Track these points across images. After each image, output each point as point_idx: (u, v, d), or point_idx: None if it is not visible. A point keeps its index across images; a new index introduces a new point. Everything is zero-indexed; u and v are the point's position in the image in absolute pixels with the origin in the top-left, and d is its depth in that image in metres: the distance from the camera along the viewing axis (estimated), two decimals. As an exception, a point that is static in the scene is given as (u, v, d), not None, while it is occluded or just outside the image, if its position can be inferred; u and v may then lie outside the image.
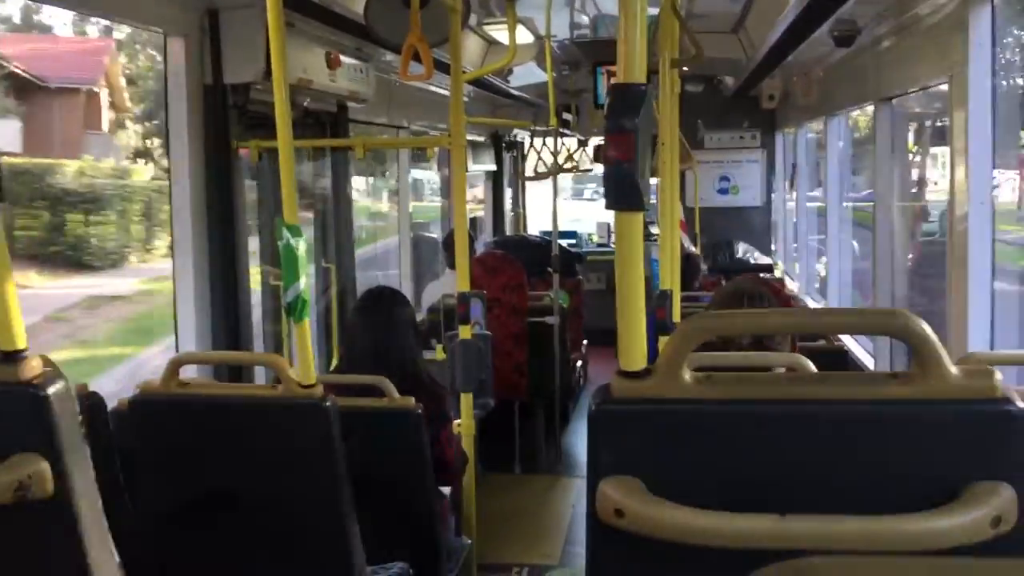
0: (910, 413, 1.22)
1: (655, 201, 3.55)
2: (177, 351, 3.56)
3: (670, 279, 3.24)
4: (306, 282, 2.35)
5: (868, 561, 0.45)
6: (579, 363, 7.42)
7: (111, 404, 2.70)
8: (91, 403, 2.40)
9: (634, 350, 1.31)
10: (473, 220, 9.02)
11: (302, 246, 2.32)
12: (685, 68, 3.60)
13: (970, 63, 3.28)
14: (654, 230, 5.07)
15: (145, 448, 2.54)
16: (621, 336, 1.31)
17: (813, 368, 2.07)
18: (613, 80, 1.31)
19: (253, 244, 3.99)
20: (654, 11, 3.10)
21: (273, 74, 2.31)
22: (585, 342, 7.79)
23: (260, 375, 3.95)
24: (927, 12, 3.71)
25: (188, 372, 3.54)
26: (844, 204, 6.37)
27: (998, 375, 1.22)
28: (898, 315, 1.23)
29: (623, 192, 1.26)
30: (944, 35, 3.54)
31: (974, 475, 1.21)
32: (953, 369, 1.21)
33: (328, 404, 2.40)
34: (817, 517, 1.21)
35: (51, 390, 1.59)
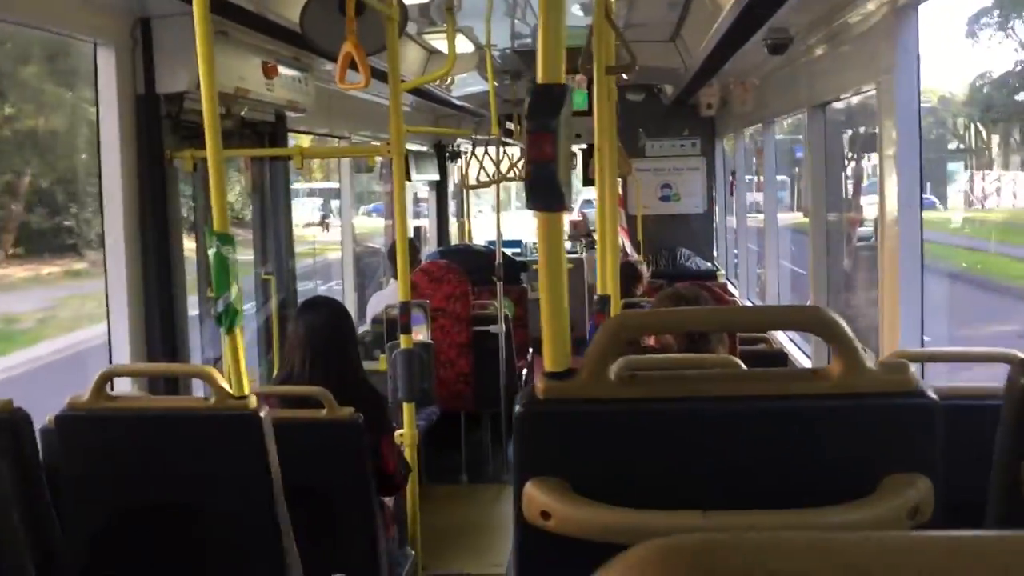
0: (828, 408, 1.24)
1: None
2: (111, 364, 3.49)
3: (609, 285, 3.25)
4: (237, 292, 2.31)
5: (749, 537, 0.45)
6: (524, 371, 7.43)
7: (42, 421, 2.62)
8: (15, 419, 2.33)
9: (558, 351, 1.31)
10: (417, 230, 9.00)
11: (233, 255, 2.28)
12: (625, 77, 3.63)
13: (897, 70, 3.36)
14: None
15: (72, 466, 2.47)
16: (545, 337, 1.31)
17: (744, 368, 2.10)
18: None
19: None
20: (589, 19, 3.12)
21: (202, 82, 2.28)
22: (531, 350, 7.80)
23: (201, 388, 3.89)
24: (856, 20, 3.80)
25: (124, 387, 3.47)
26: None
27: (912, 368, 1.25)
28: (813, 310, 1.25)
29: (544, 192, 1.26)
30: (872, 42, 3.63)
31: (892, 467, 1.23)
32: (869, 363, 1.23)
33: (261, 415, 2.37)
34: (739, 512, 1.21)
35: None
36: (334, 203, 10.95)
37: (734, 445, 1.26)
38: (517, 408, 1.31)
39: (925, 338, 3.43)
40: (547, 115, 1.24)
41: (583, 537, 1.26)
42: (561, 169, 1.24)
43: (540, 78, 1.27)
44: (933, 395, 1.23)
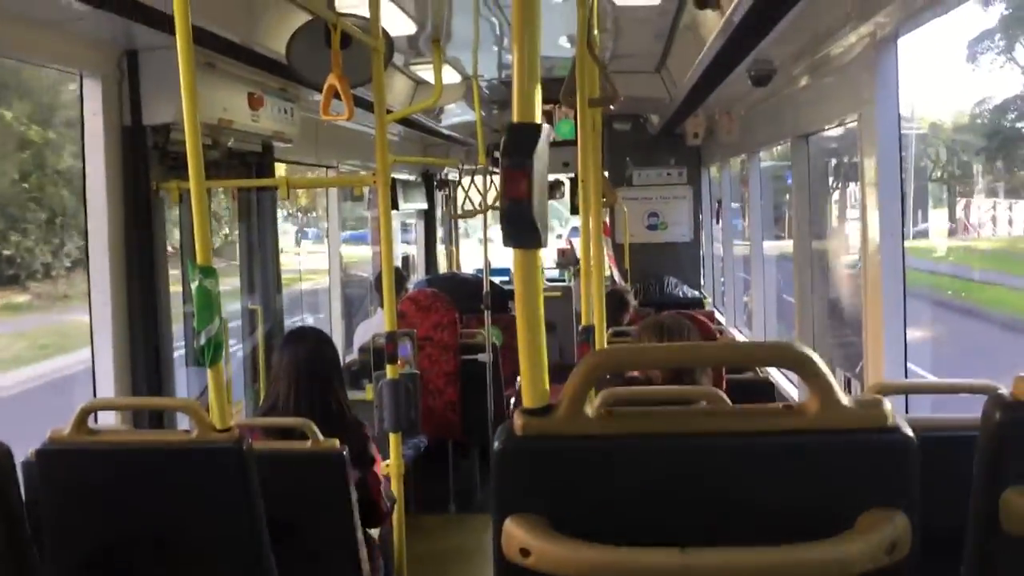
0: (803, 444, 1.24)
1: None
2: (95, 397, 3.47)
3: (594, 314, 3.26)
4: (220, 324, 2.31)
5: None
6: (513, 400, 7.42)
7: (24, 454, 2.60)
8: (-4, 454, 2.30)
9: (536, 387, 1.31)
10: (406, 258, 9.01)
11: (216, 288, 2.28)
12: (612, 107, 3.66)
13: (877, 101, 3.40)
14: None
15: (53, 500, 2.45)
16: (523, 373, 1.32)
17: (727, 401, 2.10)
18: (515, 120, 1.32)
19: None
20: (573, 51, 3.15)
21: (185, 114, 2.28)
22: (519, 379, 7.79)
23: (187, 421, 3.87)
24: (838, 52, 3.84)
25: (108, 420, 3.45)
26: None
27: (887, 404, 1.25)
28: (787, 347, 1.26)
29: (520, 229, 1.26)
30: (853, 74, 3.67)
31: (869, 503, 1.23)
32: (844, 399, 1.24)
33: (244, 447, 2.35)
34: (718, 550, 1.21)
35: None
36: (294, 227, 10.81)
37: (711, 482, 1.26)
38: (495, 444, 1.31)
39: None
40: (522, 153, 1.25)
41: (562, 575, 1.25)
42: (536, 206, 1.25)
43: (515, 117, 1.28)
44: (908, 431, 1.24)
